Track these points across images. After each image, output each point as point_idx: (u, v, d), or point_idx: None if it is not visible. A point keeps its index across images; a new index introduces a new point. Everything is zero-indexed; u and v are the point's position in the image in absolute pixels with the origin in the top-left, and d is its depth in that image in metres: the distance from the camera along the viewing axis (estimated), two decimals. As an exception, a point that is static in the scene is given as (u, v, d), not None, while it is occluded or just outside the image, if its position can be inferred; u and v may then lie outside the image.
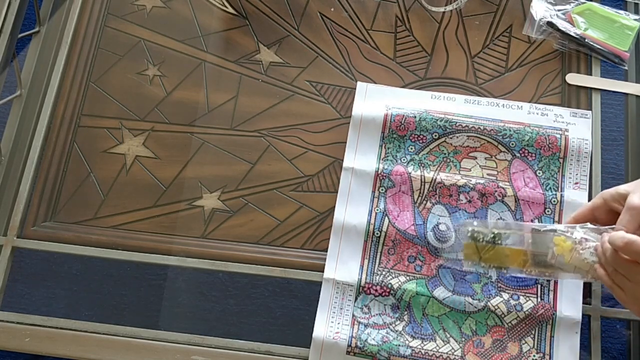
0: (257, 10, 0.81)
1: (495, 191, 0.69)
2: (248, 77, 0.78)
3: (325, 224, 0.72)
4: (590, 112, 0.73)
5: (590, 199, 0.69)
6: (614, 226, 0.58)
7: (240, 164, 0.75)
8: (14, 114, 0.78)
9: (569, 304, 0.65)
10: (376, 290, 0.68)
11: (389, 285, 0.67)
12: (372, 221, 0.70)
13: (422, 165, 0.71)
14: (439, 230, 0.69)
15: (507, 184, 0.70)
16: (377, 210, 0.70)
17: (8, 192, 0.74)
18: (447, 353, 0.65)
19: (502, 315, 0.66)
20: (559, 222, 0.68)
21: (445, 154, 0.72)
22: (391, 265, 0.68)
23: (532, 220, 0.68)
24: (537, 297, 0.66)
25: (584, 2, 0.77)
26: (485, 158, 0.71)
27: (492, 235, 0.61)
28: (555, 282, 0.66)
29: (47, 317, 0.69)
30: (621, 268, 0.56)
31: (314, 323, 0.67)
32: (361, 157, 0.72)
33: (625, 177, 0.73)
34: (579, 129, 0.72)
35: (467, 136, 0.72)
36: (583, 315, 0.65)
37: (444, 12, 0.79)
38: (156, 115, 0.77)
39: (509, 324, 0.66)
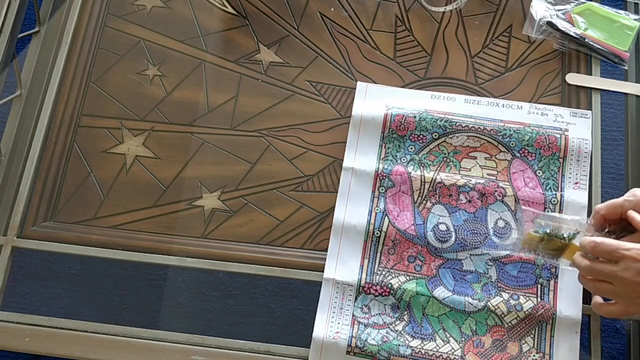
0: (257, 10, 0.81)
1: (495, 191, 0.69)
2: (248, 77, 0.78)
3: (325, 224, 0.72)
4: (590, 112, 0.73)
5: (590, 199, 0.69)
6: None
7: (240, 164, 0.75)
8: (14, 114, 0.78)
9: (569, 304, 0.65)
10: (376, 290, 0.68)
11: (389, 285, 0.67)
12: (372, 221, 0.70)
13: (422, 165, 0.71)
14: (439, 230, 0.69)
15: (507, 183, 0.70)
16: (377, 210, 0.70)
17: (8, 192, 0.74)
18: (447, 353, 0.65)
19: (502, 315, 0.66)
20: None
21: (445, 153, 0.72)
22: (391, 265, 0.68)
23: (531, 220, 0.68)
24: (537, 297, 0.66)
25: (584, 2, 0.77)
26: (485, 158, 0.71)
27: (570, 234, 0.62)
28: (556, 282, 0.66)
29: (47, 317, 0.69)
30: (601, 274, 0.58)
31: (314, 323, 0.67)
32: (361, 157, 0.72)
33: (625, 177, 0.73)
34: (579, 129, 0.72)
35: (467, 136, 0.72)
36: (583, 315, 0.65)
37: (444, 12, 0.79)
38: (156, 115, 0.77)
39: (509, 324, 0.66)
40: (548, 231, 0.62)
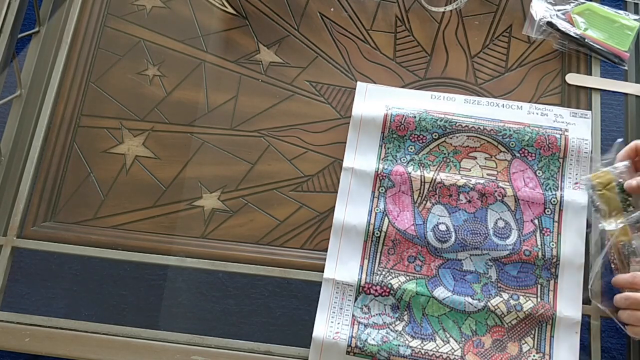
0: (257, 10, 0.81)
1: (495, 191, 0.69)
2: (248, 77, 0.78)
3: (325, 224, 0.72)
4: (590, 112, 0.73)
5: (590, 199, 0.69)
6: None
7: (240, 164, 0.75)
8: (14, 114, 0.78)
9: (569, 304, 0.66)
10: (376, 290, 0.68)
11: (389, 285, 0.67)
12: (372, 221, 0.70)
13: (422, 165, 0.71)
14: (439, 230, 0.69)
15: (507, 184, 0.70)
16: (377, 210, 0.70)
17: (8, 192, 0.74)
18: (447, 353, 0.65)
19: (502, 315, 0.66)
20: (559, 222, 0.68)
21: (445, 154, 0.72)
22: (391, 265, 0.68)
23: (531, 220, 0.68)
24: (536, 297, 0.66)
25: (584, 2, 0.77)
26: (485, 158, 0.71)
27: (627, 201, 0.66)
28: (556, 282, 0.66)
29: (47, 317, 0.69)
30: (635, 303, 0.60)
31: (314, 323, 0.67)
32: (361, 157, 0.72)
33: (625, 177, 0.73)
34: (578, 129, 0.72)
35: (467, 136, 0.72)
36: (583, 315, 0.65)
37: (443, 12, 0.79)
38: (156, 115, 0.77)
39: (509, 324, 0.66)
40: (620, 181, 0.67)
